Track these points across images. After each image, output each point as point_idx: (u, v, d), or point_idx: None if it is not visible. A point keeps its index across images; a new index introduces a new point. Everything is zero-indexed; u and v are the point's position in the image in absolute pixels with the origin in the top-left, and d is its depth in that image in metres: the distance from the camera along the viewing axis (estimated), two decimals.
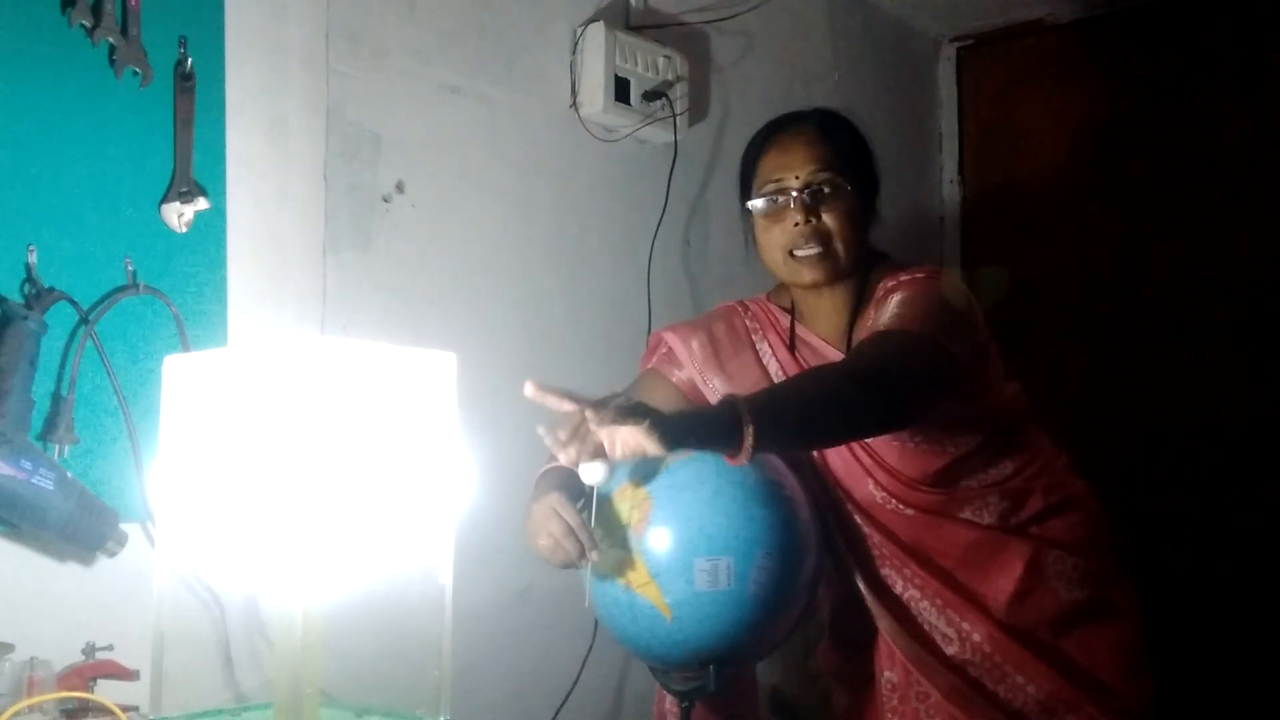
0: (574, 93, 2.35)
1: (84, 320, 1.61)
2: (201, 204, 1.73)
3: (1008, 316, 1.79)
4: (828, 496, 1.72)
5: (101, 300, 1.64)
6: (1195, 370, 2.96)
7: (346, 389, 1.29)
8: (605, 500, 1.57)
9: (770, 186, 1.71)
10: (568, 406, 1.29)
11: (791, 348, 1.77)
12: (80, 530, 1.52)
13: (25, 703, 1.44)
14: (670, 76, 2.44)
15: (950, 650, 1.65)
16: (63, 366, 1.59)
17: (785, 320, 1.81)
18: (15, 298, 1.55)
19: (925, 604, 1.67)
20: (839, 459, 1.71)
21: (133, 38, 1.67)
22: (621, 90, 2.35)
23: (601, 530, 1.55)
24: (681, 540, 1.53)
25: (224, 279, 1.77)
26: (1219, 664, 2.80)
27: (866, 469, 1.69)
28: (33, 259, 1.57)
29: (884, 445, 1.67)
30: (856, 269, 1.72)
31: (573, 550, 1.52)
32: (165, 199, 1.71)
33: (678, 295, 2.51)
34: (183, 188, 1.72)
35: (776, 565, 1.54)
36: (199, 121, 1.74)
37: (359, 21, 2.00)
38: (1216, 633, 2.83)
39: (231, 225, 1.79)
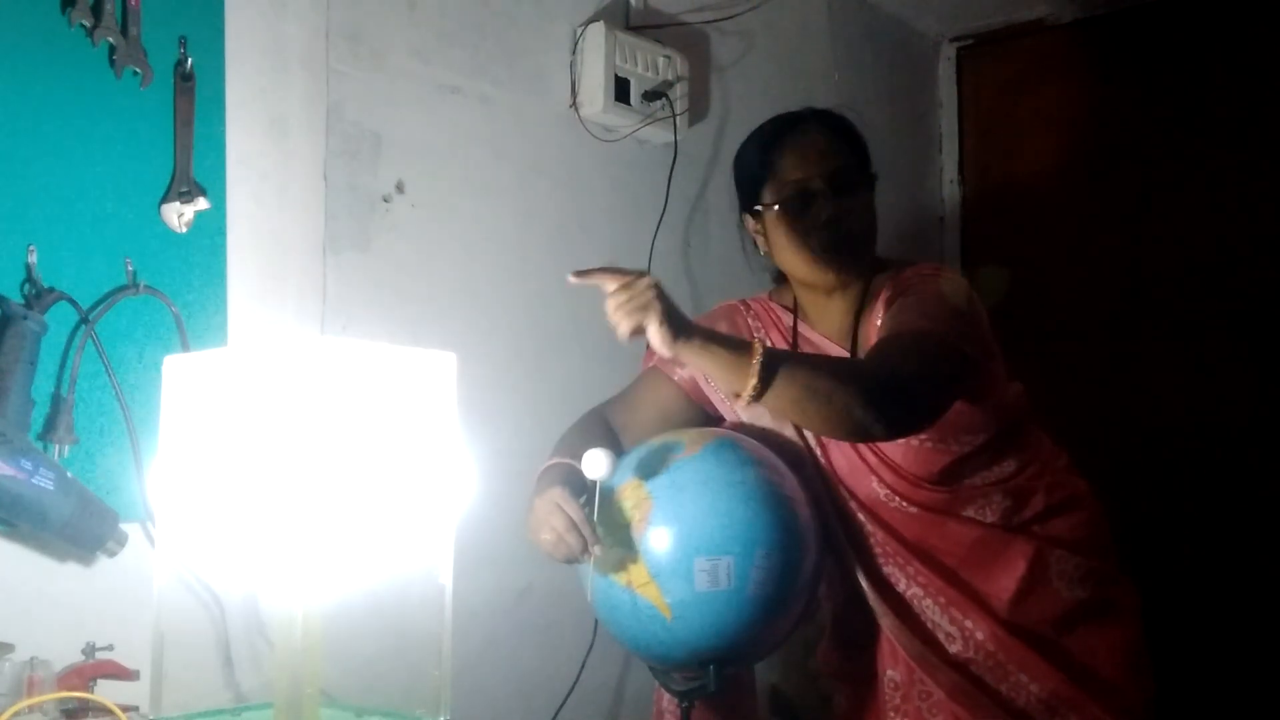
0: (574, 93, 2.35)
1: (84, 320, 1.61)
2: (201, 204, 1.73)
3: (1007, 316, 1.79)
4: (830, 495, 1.72)
5: (101, 300, 1.64)
6: (1195, 370, 2.96)
7: (346, 389, 1.29)
8: (607, 497, 1.57)
9: (791, 186, 1.70)
10: (610, 284, 1.43)
11: (795, 347, 1.77)
12: (80, 530, 1.52)
13: (25, 703, 1.44)
14: (670, 76, 2.44)
15: (953, 648, 1.65)
16: (63, 366, 1.59)
17: (788, 319, 1.81)
18: (15, 298, 1.55)
19: (928, 602, 1.67)
20: (843, 457, 1.71)
21: (133, 38, 1.67)
22: (621, 90, 2.35)
23: (603, 528, 1.55)
24: (682, 540, 1.52)
25: (224, 279, 1.77)
26: (1219, 664, 2.80)
27: (871, 467, 1.69)
28: (33, 259, 1.57)
29: (890, 442, 1.67)
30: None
31: (576, 545, 1.51)
32: (165, 199, 1.71)
33: (678, 295, 2.46)
34: (183, 188, 1.72)
35: (777, 565, 1.54)
36: (199, 121, 1.74)
37: (359, 21, 2.00)
38: (1216, 633, 2.83)
39: (231, 225, 1.79)
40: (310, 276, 1.90)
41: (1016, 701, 1.63)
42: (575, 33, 2.35)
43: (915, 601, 1.68)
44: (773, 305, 1.84)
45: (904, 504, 1.68)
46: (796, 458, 1.71)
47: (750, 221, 1.79)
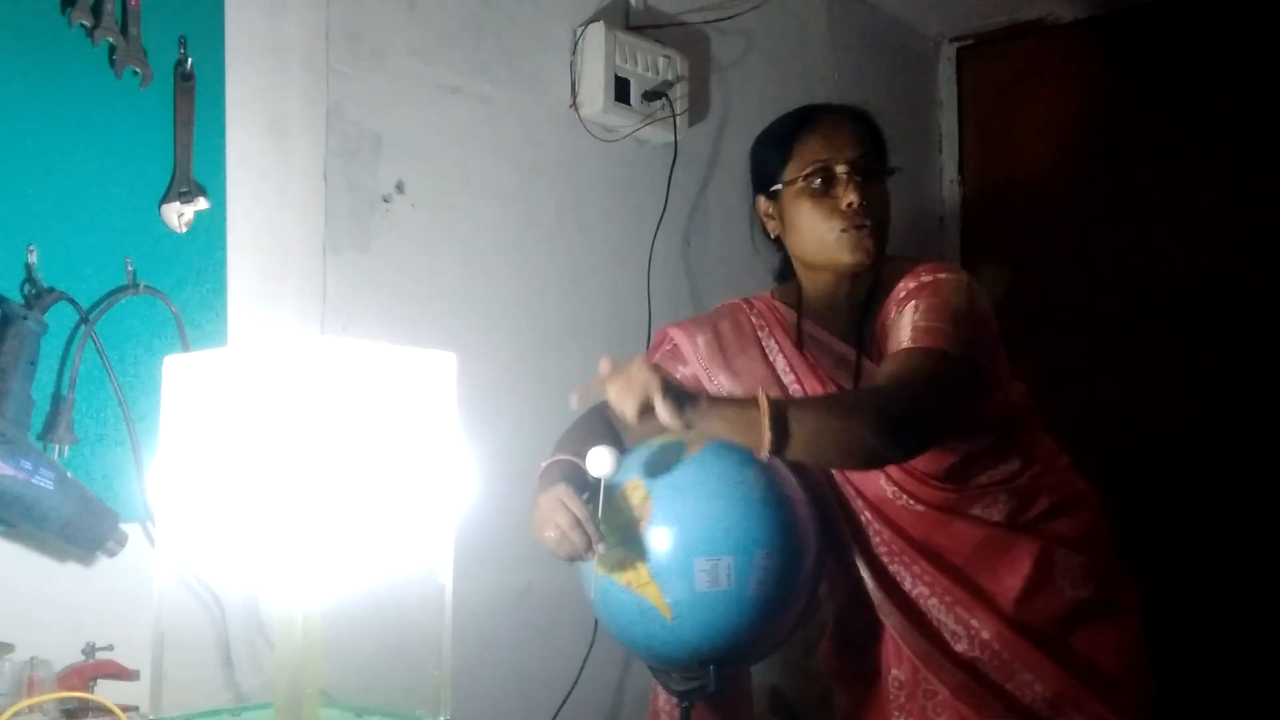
0: (574, 93, 2.35)
1: (84, 320, 1.61)
2: (201, 204, 1.73)
3: (1008, 316, 1.79)
4: (835, 493, 1.72)
5: (101, 300, 1.64)
6: (1196, 370, 2.96)
7: (346, 389, 1.29)
8: (609, 496, 1.57)
9: (815, 167, 1.71)
10: (604, 375, 1.44)
11: (799, 344, 1.77)
12: (80, 530, 1.52)
13: (25, 703, 1.44)
14: (670, 76, 2.44)
15: (959, 647, 1.65)
16: (63, 366, 1.59)
17: (792, 317, 1.80)
18: (15, 298, 1.55)
19: (934, 601, 1.67)
20: None
21: (133, 38, 1.67)
22: (621, 90, 2.35)
23: (605, 526, 1.55)
24: (682, 540, 1.52)
25: (224, 279, 1.77)
26: (1219, 663, 2.80)
27: None
28: (33, 259, 1.57)
29: None
30: None
31: (579, 543, 1.51)
32: (165, 199, 1.71)
33: (678, 295, 2.51)
34: (183, 188, 1.72)
35: (777, 565, 1.54)
36: (199, 121, 1.74)
37: (359, 21, 2.00)
38: (1216, 632, 2.83)
39: (231, 225, 1.79)
40: (310, 276, 1.90)
41: (1021, 700, 1.63)
42: (575, 33, 2.35)
43: (921, 600, 1.68)
44: (776, 303, 1.83)
45: (911, 502, 1.68)
46: None
47: (764, 204, 1.78)
